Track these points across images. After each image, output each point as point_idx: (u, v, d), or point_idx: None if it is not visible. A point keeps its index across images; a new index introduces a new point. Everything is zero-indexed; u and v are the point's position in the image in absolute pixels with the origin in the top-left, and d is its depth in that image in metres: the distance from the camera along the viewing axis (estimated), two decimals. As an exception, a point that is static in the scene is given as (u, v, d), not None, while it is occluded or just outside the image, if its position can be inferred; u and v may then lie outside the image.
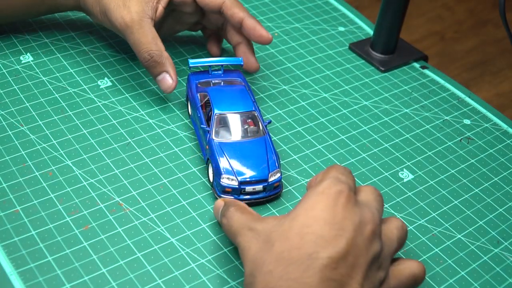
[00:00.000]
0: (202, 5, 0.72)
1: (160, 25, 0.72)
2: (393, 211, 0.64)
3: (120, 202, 0.61)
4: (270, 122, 0.65)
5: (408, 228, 0.62)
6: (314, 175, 0.65)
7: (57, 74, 0.74)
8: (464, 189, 0.67)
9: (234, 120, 0.64)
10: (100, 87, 0.73)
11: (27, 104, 0.69)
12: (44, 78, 0.73)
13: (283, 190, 0.64)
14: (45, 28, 0.79)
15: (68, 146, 0.65)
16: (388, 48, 0.83)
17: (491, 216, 0.65)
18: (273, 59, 0.81)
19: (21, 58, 0.75)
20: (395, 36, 0.82)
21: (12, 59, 0.75)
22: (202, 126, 0.64)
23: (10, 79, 0.72)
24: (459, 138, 0.73)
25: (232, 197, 0.61)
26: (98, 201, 0.60)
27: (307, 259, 0.46)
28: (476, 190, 0.67)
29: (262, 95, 0.75)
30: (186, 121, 0.70)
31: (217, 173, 0.61)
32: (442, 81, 0.81)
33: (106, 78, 0.74)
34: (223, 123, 0.64)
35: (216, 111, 0.64)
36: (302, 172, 0.66)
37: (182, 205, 0.61)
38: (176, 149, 0.67)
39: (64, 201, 0.60)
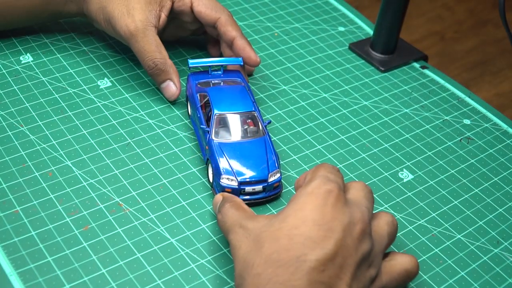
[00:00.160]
0: (199, 17, 0.73)
1: (162, 32, 0.72)
2: (393, 211, 0.64)
3: (120, 202, 0.61)
4: (269, 122, 0.65)
5: (408, 229, 0.62)
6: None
7: (57, 75, 0.74)
8: (464, 189, 0.67)
9: (234, 120, 0.64)
10: (100, 87, 0.73)
11: (27, 105, 0.69)
12: (44, 79, 0.73)
13: (283, 191, 0.64)
14: (45, 28, 0.79)
15: (68, 146, 0.65)
16: (388, 48, 0.83)
17: (491, 216, 0.65)
18: (273, 59, 0.81)
19: (21, 58, 0.75)
20: (395, 36, 0.82)
21: (12, 59, 0.75)
22: (201, 126, 0.64)
23: (10, 79, 0.72)
24: (459, 138, 0.73)
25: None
26: (98, 202, 0.60)
27: (296, 262, 0.47)
28: (476, 190, 0.67)
29: (262, 95, 0.75)
30: (186, 121, 0.70)
31: (217, 173, 0.61)
32: (442, 81, 0.81)
33: (106, 79, 0.74)
34: (223, 123, 0.64)
35: (216, 112, 0.64)
36: (302, 172, 0.66)
37: (182, 205, 0.61)
38: (176, 149, 0.67)
39: (64, 201, 0.60)
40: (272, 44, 0.84)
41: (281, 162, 0.67)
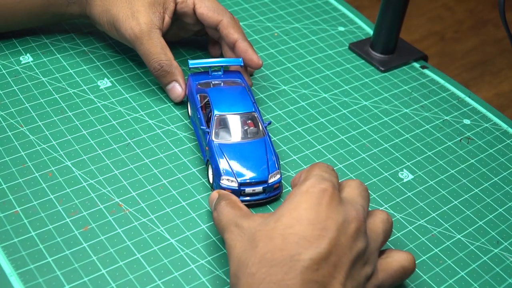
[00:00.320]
0: (201, 19, 0.73)
1: (165, 33, 0.72)
2: (392, 211, 0.64)
3: (120, 203, 0.61)
4: (270, 123, 0.65)
5: (408, 229, 0.62)
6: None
7: (57, 75, 0.74)
8: (464, 189, 0.67)
9: (234, 121, 0.64)
10: (100, 87, 0.73)
11: (27, 105, 0.69)
12: (43, 79, 0.73)
13: (283, 191, 0.64)
14: (45, 29, 0.79)
15: (68, 146, 0.65)
16: (388, 48, 0.83)
17: (490, 216, 0.65)
18: (273, 59, 0.81)
19: (21, 58, 0.75)
20: (395, 36, 0.82)
21: (12, 59, 0.75)
22: (202, 127, 0.64)
23: (10, 79, 0.72)
24: (459, 138, 0.73)
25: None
26: (97, 202, 0.60)
27: (289, 261, 0.47)
28: (476, 190, 0.67)
29: (262, 95, 0.75)
30: (186, 121, 0.70)
31: (217, 174, 0.61)
32: (442, 81, 0.81)
33: (105, 79, 0.74)
34: (223, 124, 0.63)
35: (216, 112, 0.64)
36: (302, 173, 0.66)
37: (182, 205, 0.61)
38: (176, 149, 0.67)
39: (63, 202, 0.60)
40: (272, 44, 0.84)
41: (281, 163, 0.67)
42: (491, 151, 0.72)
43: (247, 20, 0.87)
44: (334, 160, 0.68)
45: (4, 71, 0.73)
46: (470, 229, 0.63)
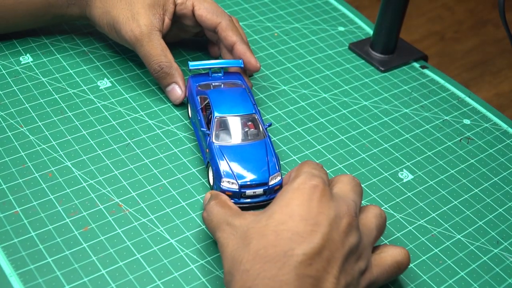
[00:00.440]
0: (199, 21, 0.73)
1: (165, 34, 0.72)
2: (392, 211, 0.64)
3: (120, 203, 0.61)
4: (270, 125, 0.65)
5: (408, 229, 0.62)
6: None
7: (57, 75, 0.74)
8: (463, 189, 0.67)
9: (235, 123, 0.63)
10: (100, 88, 0.73)
11: (27, 105, 0.69)
12: (43, 79, 0.73)
13: None
14: (45, 29, 0.79)
15: (68, 147, 0.65)
16: (388, 48, 0.83)
17: (490, 216, 0.64)
18: (272, 59, 0.81)
19: (21, 59, 0.75)
20: (395, 36, 0.82)
21: (12, 60, 0.75)
22: (202, 129, 0.64)
23: (9, 80, 0.72)
24: (459, 138, 0.73)
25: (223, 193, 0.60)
26: (97, 202, 0.60)
27: (283, 257, 0.47)
28: (476, 190, 0.67)
29: (261, 95, 0.75)
30: (186, 122, 0.70)
31: (218, 176, 0.60)
32: (442, 81, 0.81)
33: (105, 79, 0.74)
34: (223, 126, 0.63)
35: (216, 114, 0.63)
36: (302, 173, 0.66)
37: (182, 206, 0.61)
38: (176, 150, 0.67)
39: (63, 202, 0.60)
40: (272, 44, 0.84)
41: (281, 163, 0.67)
42: (491, 151, 0.72)
43: (247, 20, 0.87)
44: (334, 160, 0.68)
45: (4, 71, 0.73)
46: (470, 229, 0.63)
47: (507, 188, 0.68)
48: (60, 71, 0.74)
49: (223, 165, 0.60)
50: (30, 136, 0.66)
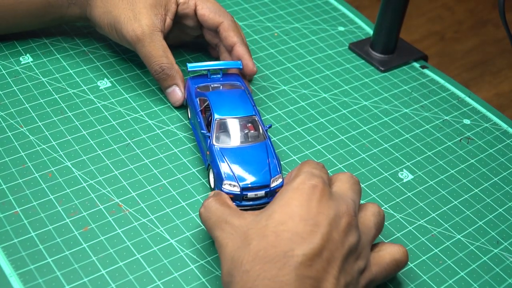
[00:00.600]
0: (202, 21, 0.73)
1: (166, 35, 0.72)
2: (392, 211, 0.64)
3: (120, 203, 0.61)
4: (270, 126, 0.65)
5: (408, 229, 0.62)
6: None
7: (57, 75, 0.74)
8: (463, 189, 0.67)
9: (235, 125, 0.63)
10: (100, 88, 0.73)
11: (27, 105, 0.69)
12: (43, 79, 0.73)
13: None
14: (45, 29, 0.79)
15: (68, 147, 0.65)
16: (388, 48, 0.83)
17: (490, 216, 0.64)
18: (272, 59, 0.81)
19: (21, 59, 0.75)
20: (395, 36, 0.82)
21: (12, 60, 0.75)
22: (202, 131, 0.64)
23: (9, 80, 0.72)
24: (459, 138, 0.73)
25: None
26: (97, 202, 0.60)
27: (283, 257, 0.47)
28: (476, 190, 0.67)
29: (261, 95, 0.75)
30: (186, 122, 0.70)
31: (219, 179, 0.60)
32: (442, 81, 0.81)
33: (105, 79, 0.74)
34: (224, 128, 0.63)
35: (216, 116, 0.63)
36: (302, 173, 0.66)
37: (182, 206, 0.61)
38: (176, 150, 0.67)
39: (63, 202, 0.60)
40: (272, 44, 0.84)
41: (281, 163, 0.67)
42: (491, 151, 0.72)
43: (247, 20, 0.87)
44: (334, 160, 0.68)
45: (4, 72, 0.73)
46: (470, 229, 0.63)
47: (507, 188, 0.68)
48: (60, 71, 0.74)
49: (224, 168, 0.60)
50: (30, 136, 0.66)
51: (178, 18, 0.74)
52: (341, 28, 0.88)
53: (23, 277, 0.53)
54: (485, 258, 0.60)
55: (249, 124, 0.64)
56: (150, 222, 0.59)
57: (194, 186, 0.63)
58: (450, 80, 0.82)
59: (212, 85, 0.69)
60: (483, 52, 2.18)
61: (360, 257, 0.51)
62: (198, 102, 0.67)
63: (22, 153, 0.64)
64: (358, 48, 0.84)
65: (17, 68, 0.74)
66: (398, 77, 0.81)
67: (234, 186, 0.59)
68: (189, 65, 0.69)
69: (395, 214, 0.64)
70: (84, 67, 0.75)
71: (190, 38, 0.79)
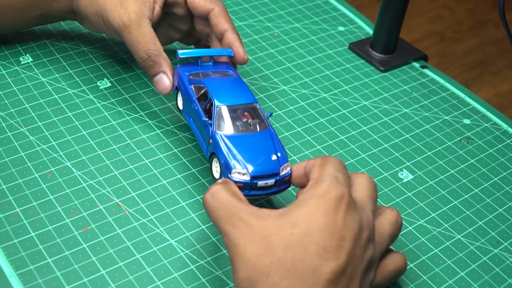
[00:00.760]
0: (192, 8, 0.70)
1: (155, 22, 0.70)
2: (393, 212, 0.64)
3: (120, 203, 0.61)
4: (271, 114, 0.62)
5: (408, 229, 0.62)
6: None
7: (57, 75, 0.74)
8: (463, 189, 0.67)
9: (237, 112, 0.61)
10: (100, 88, 0.73)
11: (27, 105, 0.69)
12: (43, 79, 0.73)
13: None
14: (45, 29, 0.79)
15: (68, 147, 0.65)
16: (388, 48, 0.83)
17: (490, 216, 0.64)
18: (272, 59, 0.81)
19: (21, 59, 0.75)
20: (395, 36, 0.82)
21: (12, 60, 0.75)
22: (203, 119, 0.61)
23: (9, 80, 0.72)
24: (459, 138, 0.73)
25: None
26: (97, 203, 0.60)
27: (312, 274, 0.46)
28: (476, 190, 0.67)
29: (261, 95, 0.75)
30: (186, 122, 0.70)
31: (227, 167, 0.57)
32: (442, 81, 0.81)
33: (105, 79, 0.74)
34: (225, 115, 0.60)
35: (217, 103, 0.60)
36: (302, 173, 0.66)
37: (182, 206, 0.61)
38: (176, 150, 0.67)
39: (63, 202, 0.60)
40: (272, 44, 0.84)
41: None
42: (491, 151, 0.72)
43: (247, 20, 0.87)
44: (334, 160, 0.68)
45: (4, 72, 0.73)
46: (470, 229, 0.63)
47: (507, 188, 0.68)
48: (60, 71, 0.74)
49: (232, 156, 0.57)
50: (30, 136, 0.66)
51: (168, 7, 0.71)
52: (341, 28, 0.88)
53: (23, 277, 0.53)
54: (485, 258, 0.60)
55: (251, 112, 0.61)
56: (150, 222, 0.59)
57: (194, 186, 0.63)
58: (450, 80, 0.82)
59: (204, 73, 0.66)
60: (483, 52, 2.18)
61: (372, 269, 0.50)
62: (193, 89, 0.64)
63: (22, 153, 0.64)
64: (358, 48, 0.84)
65: (17, 68, 0.74)
66: (398, 77, 0.81)
67: (244, 174, 0.56)
68: (179, 51, 0.66)
69: (395, 214, 0.64)
70: (84, 67, 0.75)
71: (178, 36, 0.76)
